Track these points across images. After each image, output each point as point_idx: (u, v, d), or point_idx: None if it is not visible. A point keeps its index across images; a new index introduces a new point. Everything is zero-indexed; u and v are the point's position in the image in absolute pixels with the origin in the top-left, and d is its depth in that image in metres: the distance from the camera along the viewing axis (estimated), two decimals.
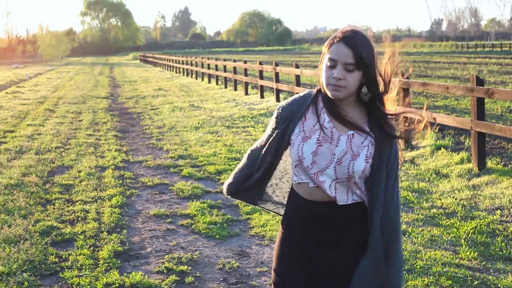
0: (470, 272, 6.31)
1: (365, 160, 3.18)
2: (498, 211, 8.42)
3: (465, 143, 12.98)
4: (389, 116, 3.26)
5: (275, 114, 3.35)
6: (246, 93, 27.85)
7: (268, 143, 3.37)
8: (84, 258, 7.01)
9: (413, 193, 9.49)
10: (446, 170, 10.89)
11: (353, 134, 3.20)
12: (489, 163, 10.92)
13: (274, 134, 3.34)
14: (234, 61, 32.32)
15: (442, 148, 12.31)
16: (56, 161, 12.96)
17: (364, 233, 3.24)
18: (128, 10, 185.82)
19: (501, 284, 6.00)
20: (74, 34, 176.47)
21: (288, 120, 3.28)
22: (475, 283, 6.05)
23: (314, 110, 3.28)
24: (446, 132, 14.37)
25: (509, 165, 10.91)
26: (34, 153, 13.88)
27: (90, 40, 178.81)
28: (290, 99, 3.35)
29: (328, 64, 3.16)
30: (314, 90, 3.35)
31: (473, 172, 10.55)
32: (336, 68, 3.13)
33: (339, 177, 3.18)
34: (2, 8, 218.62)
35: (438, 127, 14.63)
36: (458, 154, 11.69)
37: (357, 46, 3.11)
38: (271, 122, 3.37)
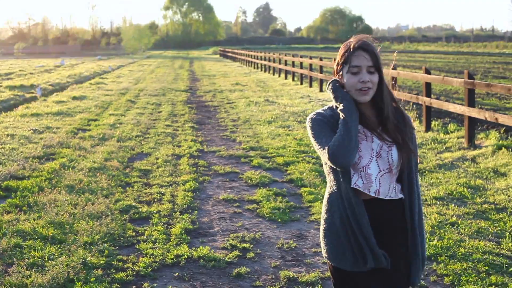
0: (508, 261, 6.86)
1: (398, 149, 3.62)
2: None
3: None
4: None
5: (313, 123, 3.65)
6: (321, 90, 28.44)
7: (332, 132, 3.61)
8: (158, 233, 7.85)
9: (468, 189, 9.99)
10: (504, 169, 11.32)
11: (381, 129, 3.65)
12: None
13: (329, 128, 3.62)
14: (311, 58, 32.88)
15: (503, 148, 12.71)
16: (136, 148, 13.91)
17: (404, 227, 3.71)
18: (210, 5, 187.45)
19: None
20: (156, 27, 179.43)
21: (327, 123, 3.63)
22: (510, 269, 6.60)
23: None
24: (511, 133, 14.70)
25: None
26: (116, 140, 14.89)
27: (172, 34, 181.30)
28: (318, 112, 3.69)
29: (352, 71, 3.57)
30: (333, 103, 3.68)
31: None
32: (361, 73, 3.56)
33: (382, 169, 3.61)
34: (88, 1, 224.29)
35: (504, 129, 14.97)
36: None
37: (373, 50, 3.58)
38: (317, 126, 3.64)
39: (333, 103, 3.67)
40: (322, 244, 3.76)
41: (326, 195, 3.73)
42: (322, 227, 3.74)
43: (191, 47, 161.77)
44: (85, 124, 17.83)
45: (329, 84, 3.67)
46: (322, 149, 3.56)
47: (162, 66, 61.03)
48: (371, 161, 3.59)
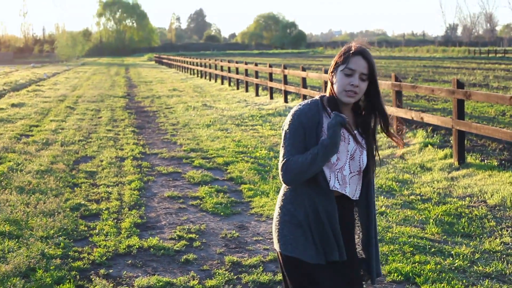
0: (431, 243, 7.60)
1: (366, 154, 3.82)
2: (468, 198, 9.68)
3: (451, 141, 14.19)
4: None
5: (292, 121, 3.73)
6: (257, 94, 29.15)
7: (302, 143, 3.71)
8: (109, 227, 8.37)
9: (397, 183, 10.76)
10: (430, 164, 12.15)
11: (356, 133, 3.81)
12: (469, 159, 12.16)
13: (304, 134, 3.71)
14: (246, 63, 33.57)
15: (429, 145, 13.58)
16: (80, 152, 14.35)
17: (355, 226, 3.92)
18: (144, 12, 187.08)
19: (454, 252, 7.27)
20: (90, 34, 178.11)
21: (307, 125, 3.70)
22: (432, 250, 7.34)
23: (326, 114, 3.75)
24: (437, 132, 15.60)
25: (486, 161, 12.14)
26: (60, 145, 15.29)
27: (106, 41, 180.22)
28: (303, 107, 3.76)
29: (346, 73, 3.69)
30: (317, 97, 3.82)
31: (453, 166, 11.80)
32: (353, 77, 3.67)
33: (353, 171, 3.77)
34: (19, 8, 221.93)
35: (431, 128, 15.86)
36: (443, 150, 12.94)
37: (371, 60, 3.71)
38: (293, 127, 3.72)
39: (317, 97, 3.82)
40: (278, 234, 3.82)
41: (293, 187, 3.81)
42: (280, 218, 3.82)
43: (126, 54, 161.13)
44: (27, 130, 18.14)
45: (329, 100, 3.80)
46: (283, 154, 3.71)
47: (98, 73, 61.02)
48: (345, 163, 3.75)
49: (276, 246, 3.83)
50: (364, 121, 3.84)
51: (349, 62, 3.70)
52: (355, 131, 3.81)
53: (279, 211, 3.83)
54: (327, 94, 3.85)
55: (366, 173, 3.84)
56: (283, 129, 3.79)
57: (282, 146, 3.73)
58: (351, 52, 3.72)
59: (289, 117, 3.76)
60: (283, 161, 3.67)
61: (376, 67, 3.75)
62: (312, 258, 3.70)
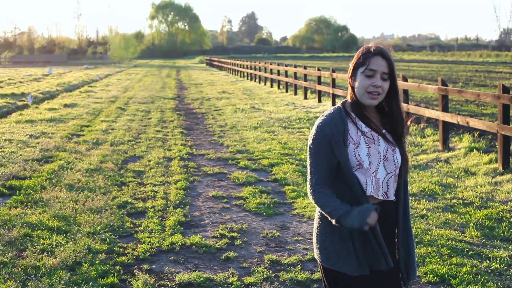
0: (469, 246, 7.67)
1: (399, 152, 3.76)
2: (510, 203, 9.69)
3: (497, 146, 14.15)
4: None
5: (315, 136, 3.68)
6: (305, 98, 29.25)
7: (326, 158, 3.66)
8: (154, 225, 8.63)
9: (440, 187, 10.81)
10: (474, 168, 12.16)
11: (384, 132, 3.74)
12: None
13: (329, 147, 3.64)
14: (295, 66, 33.69)
15: (475, 150, 13.57)
16: (128, 151, 14.69)
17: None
18: (196, 14, 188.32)
19: (491, 255, 7.33)
20: (142, 37, 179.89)
21: (331, 137, 3.63)
22: (470, 253, 7.42)
23: (350, 120, 3.69)
24: (483, 137, 15.56)
25: None
26: (109, 144, 15.67)
27: (158, 43, 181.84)
28: (326, 117, 3.70)
29: (367, 74, 3.63)
30: (339, 104, 3.77)
31: (498, 171, 11.79)
32: (375, 78, 3.62)
33: (389, 171, 3.70)
34: (73, 10, 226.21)
35: (478, 133, 15.82)
36: (488, 155, 12.93)
37: (390, 59, 3.67)
38: (317, 142, 3.66)
39: (339, 105, 3.78)
40: (319, 246, 3.77)
41: None
42: (321, 229, 3.77)
43: (177, 56, 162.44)
44: (79, 130, 18.60)
45: (352, 105, 3.74)
46: (309, 172, 3.71)
47: (150, 75, 61.78)
48: (379, 165, 3.67)
49: (317, 257, 3.79)
50: (391, 120, 3.77)
51: (369, 63, 3.64)
52: (383, 130, 3.76)
53: (319, 221, 3.78)
54: (348, 98, 3.78)
55: (401, 172, 3.77)
56: (308, 143, 3.74)
57: (308, 161, 3.72)
58: (370, 53, 3.67)
59: (313, 131, 3.71)
60: (310, 184, 3.69)
61: (394, 65, 3.69)
62: (354, 271, 3.65)
